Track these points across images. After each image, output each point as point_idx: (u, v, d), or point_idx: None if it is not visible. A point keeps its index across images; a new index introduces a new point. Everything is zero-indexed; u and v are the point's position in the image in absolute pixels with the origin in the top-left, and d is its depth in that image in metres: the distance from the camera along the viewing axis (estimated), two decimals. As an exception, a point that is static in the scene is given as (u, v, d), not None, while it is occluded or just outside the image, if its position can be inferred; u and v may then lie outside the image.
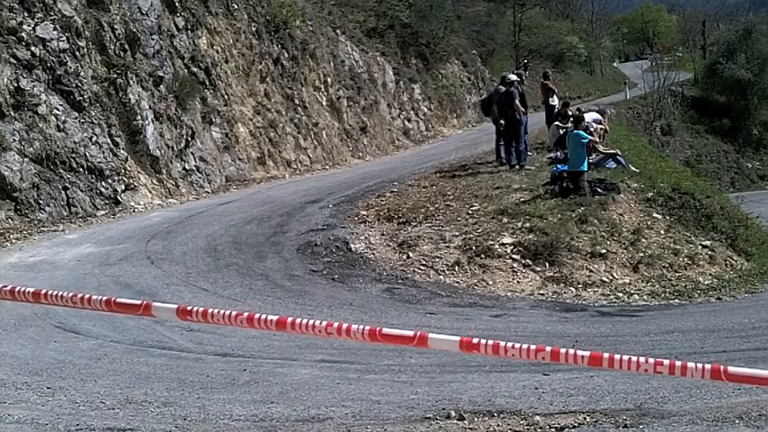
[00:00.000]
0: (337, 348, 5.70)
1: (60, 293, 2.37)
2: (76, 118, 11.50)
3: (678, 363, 1.97)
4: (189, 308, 2.26)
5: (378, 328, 2.13)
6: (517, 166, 12.68)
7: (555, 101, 15.65)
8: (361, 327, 2.13)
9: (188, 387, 4.72)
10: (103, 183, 11.65)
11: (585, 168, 10.57)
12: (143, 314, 2.35)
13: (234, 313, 2.21)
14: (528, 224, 9.46)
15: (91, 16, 12.67)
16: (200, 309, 2.25)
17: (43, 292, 2.39)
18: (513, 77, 13.72)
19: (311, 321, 2.15)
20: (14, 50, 10.95)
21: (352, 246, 9.25)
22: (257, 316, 2.19)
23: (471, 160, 15.17)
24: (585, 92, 44.10)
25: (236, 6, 17.48)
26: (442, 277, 8.52)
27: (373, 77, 23.51)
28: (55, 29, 11.52)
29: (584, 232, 9.48)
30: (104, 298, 2.35)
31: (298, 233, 9.90)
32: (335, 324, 2.15)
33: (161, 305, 2.38)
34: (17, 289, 2.42)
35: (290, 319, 2.17)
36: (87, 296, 2.36)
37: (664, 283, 8.90)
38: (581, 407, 4.21)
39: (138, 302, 2.36)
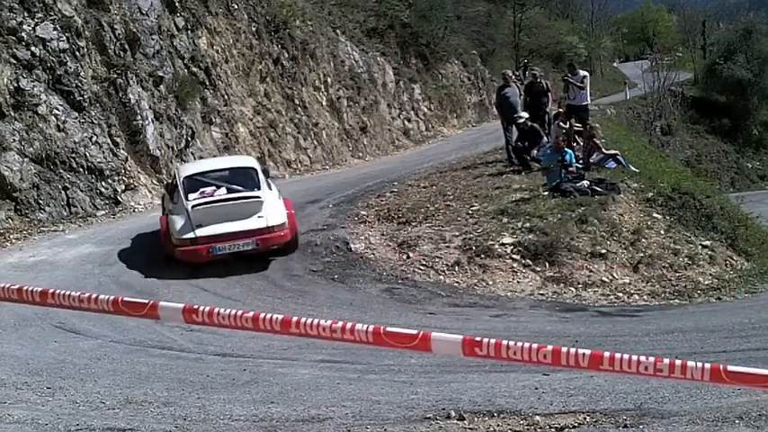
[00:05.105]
0: (337, 348, 5.69)
1: (68, 293, 2.37)
2: (76, 118, 11.50)
3: (678, 362, 1.96)
4: (195, 306, 2.27)
5: (381, 327, 2.14)
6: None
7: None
8: (365, 326, 2.14)
9: (188, 387, 4.72)
10: (103, 183, 11.65)
11: (565, 180, 10.62)
12: (148, 314, 2.35)
13: (239, 313, 2.22)
14: (528, 224, 9.45)
15: (91, 16, 12.68)
16: (206, 308, 2.26)
17: (50, 291, 2.39)
18: (509, 73, 13.86)
19: (315, 321, 2.16)
20: (14, 50, 10.96)
21: (352, 246, 9.25)
22: (262, 316, 2.21)
23: (471, 160, 15.16)
24: (585, 92, 43.95)
25: (236, 6, 17.49)
26: (441, 277, 8.51)
27: (373, 77, 23.50)
28: (55, 29, 11.52)
29: (584, 232, 9.46)
30: (111, 298, 2.35)
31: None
32: (339, 323, 2.16)
33: (167, 304, 2.38)
34: (24, 288, 2.42)
35: (294, 319, 2.18)
36: (94, 296, 2.36)
37: (664, 283, 8.88)
38: (581, 407, 4.20)
39: (145, 302, 2.36)
